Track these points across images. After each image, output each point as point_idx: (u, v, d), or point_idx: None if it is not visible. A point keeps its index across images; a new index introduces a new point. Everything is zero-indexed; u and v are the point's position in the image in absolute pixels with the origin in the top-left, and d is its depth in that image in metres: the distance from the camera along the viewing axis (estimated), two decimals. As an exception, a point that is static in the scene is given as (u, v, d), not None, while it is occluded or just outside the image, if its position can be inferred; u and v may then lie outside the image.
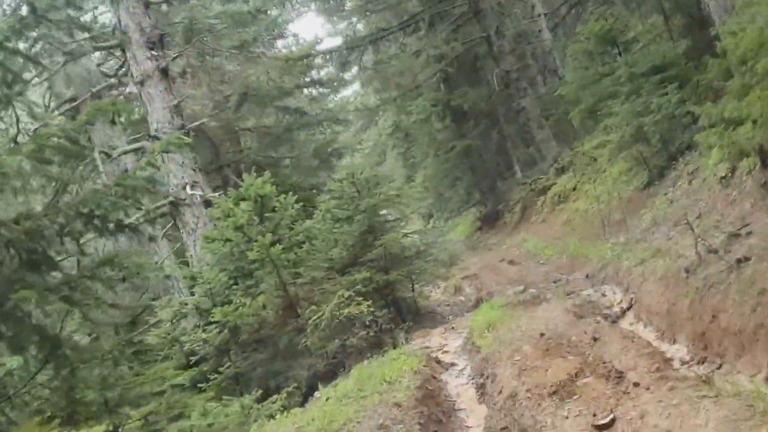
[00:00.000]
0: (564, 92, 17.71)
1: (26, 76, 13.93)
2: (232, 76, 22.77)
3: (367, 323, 9.95)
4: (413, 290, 12.43)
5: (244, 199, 10.71)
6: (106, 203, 6.09)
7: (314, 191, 22.16)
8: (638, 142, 14.51)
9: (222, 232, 10.57)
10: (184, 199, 13.22)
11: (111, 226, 6.35)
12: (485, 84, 27.88)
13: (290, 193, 10.98)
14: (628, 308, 8.82)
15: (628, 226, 13.23)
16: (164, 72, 14.03)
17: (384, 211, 13.01)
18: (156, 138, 13.44)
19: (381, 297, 12.31)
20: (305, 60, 22.88)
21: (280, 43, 28.62)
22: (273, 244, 10.16)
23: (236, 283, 10.80)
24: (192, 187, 13.34)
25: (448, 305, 15.13)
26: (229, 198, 10.87)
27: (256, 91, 23.50)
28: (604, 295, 9.62)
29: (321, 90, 30.42)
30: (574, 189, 19.68)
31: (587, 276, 11.88)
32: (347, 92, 48.23)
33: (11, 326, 5.92)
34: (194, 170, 13.61)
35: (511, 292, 13.12)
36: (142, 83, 13.89)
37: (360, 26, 26.60)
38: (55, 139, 6.76)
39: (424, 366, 7.78)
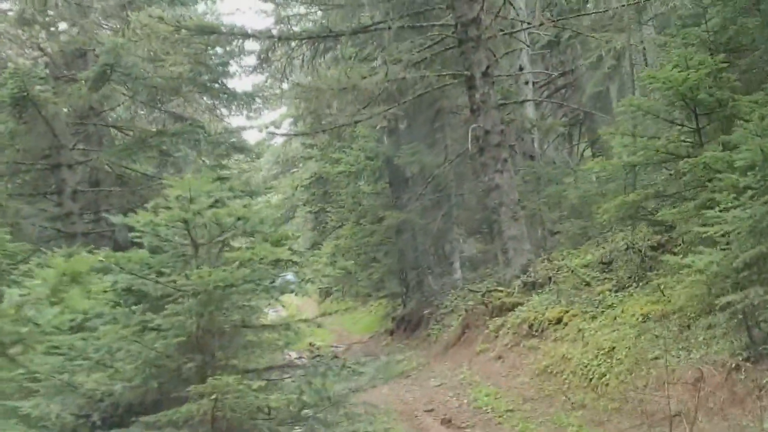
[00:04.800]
0: (597, 168, 10.99)
1: None
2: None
3: None
4: None
5: None
6: None
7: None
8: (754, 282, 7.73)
9: None
10: None
11: None
12: (442, 149, 21.20)
13: None
14: None
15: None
16: None
17: (248, 301, 5.76)
18: None
19: None
20: (208, 38, 15.61)
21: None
22: None
23: None
24: None
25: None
26: None
27: (128, 69, 16.10)
28: None
29: (231, 105, 23.25)
30: (559, 322, 12.80)
31: None
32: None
33: None
34: None
35: None
36: None
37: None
38: None
39: None
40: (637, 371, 9.53)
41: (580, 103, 22.50)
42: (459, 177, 21.95)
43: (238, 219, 5.34)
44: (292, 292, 6.33)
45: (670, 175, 10.56)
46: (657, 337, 9.97)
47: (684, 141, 10.09)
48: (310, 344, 24.52)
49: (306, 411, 5.71)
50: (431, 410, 11.52)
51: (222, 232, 5.36)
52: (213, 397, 4.70)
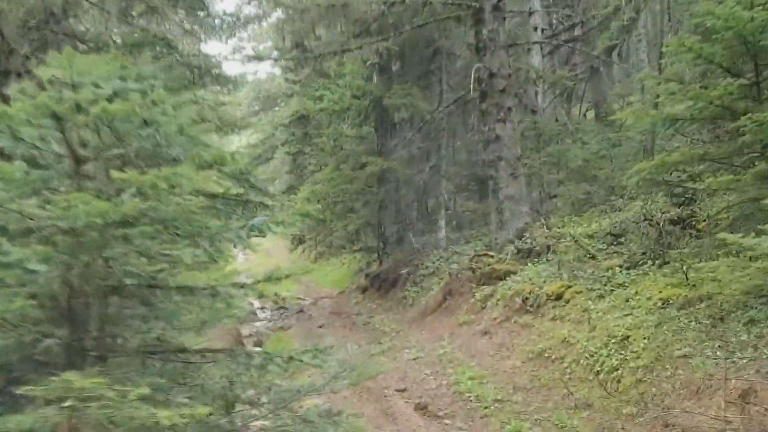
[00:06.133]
0: (631, 120, 9.13)
1: None
2: None
3: None
4: None
5: None
6: None
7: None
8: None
9: None
10: None
11: None
12: (436, 94, 19.24)
13: None
14: None
15: None
16: None
17: (147, 249, 3.81)
18: None
19: None
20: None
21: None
22: None
23: None
24: None
25: None
26: None
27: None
28: None
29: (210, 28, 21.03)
30: (559, 298, 11.06)
31: None
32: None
33: None
34: None
35: None
36: None
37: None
38: None
39: None
40: (659, 370, 7.82)
41: (591, 55, 20.49)
42: (452, 128, 20.07)
43: (145, 124, 3.43)
44: (230, 242, 4.42)
45: (717, 137, 8.73)
46: (683, 329, 8.26)
47: (741, 95, 8.23)
48: (276, 294, 22.80)
49: (232, 418, 3.91)
50: (404, 390, 9.79)
51: (118, 140, 3.45)
52: (67, 404, 2.85)
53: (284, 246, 39.43)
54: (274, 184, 35.86)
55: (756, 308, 7.67)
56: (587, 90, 23.71)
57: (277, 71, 35.69)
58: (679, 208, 11.69)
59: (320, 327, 16.12)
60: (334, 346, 4.35)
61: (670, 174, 9.50)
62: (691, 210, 11.36)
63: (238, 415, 4.00)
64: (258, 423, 4.13)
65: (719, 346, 7.45)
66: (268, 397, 4.04)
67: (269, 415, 4.06)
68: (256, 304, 22.52)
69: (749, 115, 7.45)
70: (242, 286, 4.02)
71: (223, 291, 3.92)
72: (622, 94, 20.71)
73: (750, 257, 7.02)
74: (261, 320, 19.58)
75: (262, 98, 37.25)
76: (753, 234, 6.54)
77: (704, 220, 10.91)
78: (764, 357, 6.84)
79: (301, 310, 19.70)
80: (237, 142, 35.56)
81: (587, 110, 24.72)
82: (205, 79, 20.78)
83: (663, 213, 11.53)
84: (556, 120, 20.09)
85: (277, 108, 37.18)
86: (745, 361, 6.92)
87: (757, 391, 6.36)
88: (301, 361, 3.84)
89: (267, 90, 36.36)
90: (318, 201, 20.86)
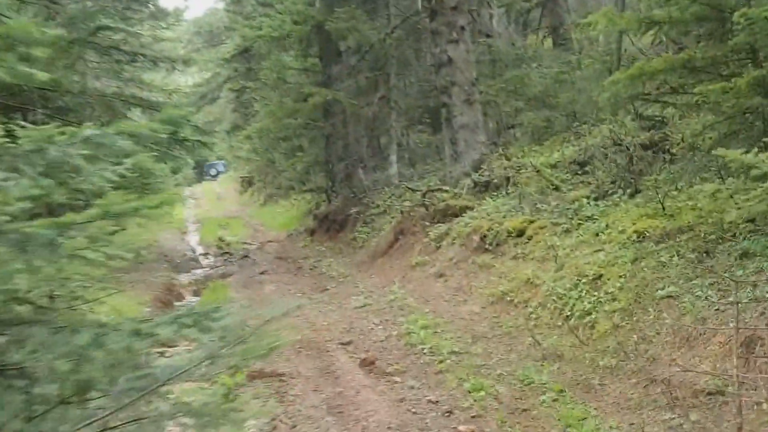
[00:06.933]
0: (603, 23, 7.83)
1: None
2: None
3: None
4: None
5: None
6: None
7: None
8: None
9: None
10: None
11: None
12: (384, 18, 17.83)
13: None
14: None
15: None
16: None
17: None
18: None
19: None
20: None
21: None
22: None
23: None
24: None
25: None
26: None
27: None
28: None
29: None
30: (521, 234, 9.95)
31: None
32: None
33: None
34: None
35: None
36: None
37: None
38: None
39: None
40: (639, 314, 6.74)
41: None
42: (402, 57, 18.68)
43: None
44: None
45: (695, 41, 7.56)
46: (664, 265, 7.16)
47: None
48: (220, 239, 21.49)
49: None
50: (349, 343, 8.62)
51: None
52: None
53: (235, 190, 38.21)
54: (221, 123, 34.31)
55: (748, 238, 6.59)
56: (544, 16, 22.46)
57: (220, 5, 33.89)
58: (649, 131, 10.65)
59: (262, 273, 14.87)
60: (228, 305, 3.10)
61: (645, 87, 8.30)
62: (664, 133, 10.33)
63: (72, 412, 2.75)
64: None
65: (710, 284, 6.36)
66: (118, 386, 2.79)
67: (120, 409, 2.82)
68: (200, 249, 21.27)
69: (743, 10, 6.25)
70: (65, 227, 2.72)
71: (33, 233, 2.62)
72: (579, 21, 19.53)
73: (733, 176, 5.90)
74: (203, 267, 18.33)
75: (204, 33, 35.25)
76: (756, 149, 5.39)
77: (679, 143, 9.85)
78: None
79: (246, 256, 18.42)
80: (183, 83, 33.78)
81: (544, 37, 23.52)
82: (138, 12, 19.29)
83: (633, 137, 10.47)
84: (513, 44, 18.84)
85: (222, 45, 35.35)
86: (745, 302, 5.80)
87: (764, 338, 5.28)
88: (153, 334, 2.57)
89: (209, 25, 34.38)
90: (261, 138, 19.49)
